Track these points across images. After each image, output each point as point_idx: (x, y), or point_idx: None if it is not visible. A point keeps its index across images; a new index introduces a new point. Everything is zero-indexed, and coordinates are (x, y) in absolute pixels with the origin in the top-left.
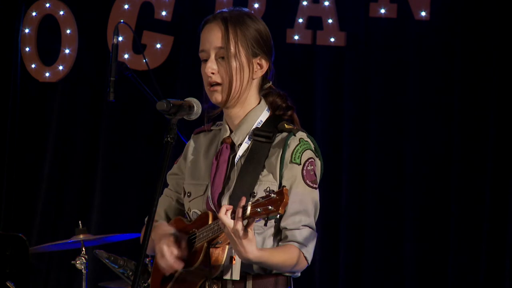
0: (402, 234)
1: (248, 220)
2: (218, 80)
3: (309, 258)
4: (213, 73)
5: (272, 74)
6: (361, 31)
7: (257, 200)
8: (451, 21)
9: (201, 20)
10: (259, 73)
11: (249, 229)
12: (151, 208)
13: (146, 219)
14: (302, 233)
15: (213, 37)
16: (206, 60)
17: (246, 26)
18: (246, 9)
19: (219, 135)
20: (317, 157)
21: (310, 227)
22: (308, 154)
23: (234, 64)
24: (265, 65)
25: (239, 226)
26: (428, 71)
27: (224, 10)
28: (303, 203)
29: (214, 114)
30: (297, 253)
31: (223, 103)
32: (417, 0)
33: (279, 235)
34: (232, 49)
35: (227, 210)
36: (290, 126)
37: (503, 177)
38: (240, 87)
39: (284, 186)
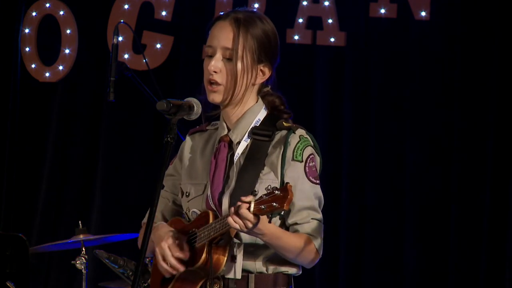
0: (402, 234)
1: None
2: (219, 80)
3: (319, 248)
4: (215, 72)
5: (272, 81)
6: (361, 31)
7: (261, 197)
8: (451, 21)
9: (201, 20)
10: (260, 80)
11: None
12: (151, 208)
13: (143, 221)
14: (312, 226)
15: (222, 36)
16: (210, 56)
17: (256, 31)
18: (258, 12)
19: (215, 134)
20: (316, 153)
21: (318, 221)
22: (309, 150)
23: (238, 66)
24: (267, 72)
25: (252, 221)
26: (428, 71)
27: (237, 10)
28: (309, 200)
29: (213, 115)
30: (308, 240)
31: (220, 104)
32: (417, 0)
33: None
34: (240, 52)
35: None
36: (289, 124)
37: (503, 177)
38: (240, 90)
39: (287, 182)
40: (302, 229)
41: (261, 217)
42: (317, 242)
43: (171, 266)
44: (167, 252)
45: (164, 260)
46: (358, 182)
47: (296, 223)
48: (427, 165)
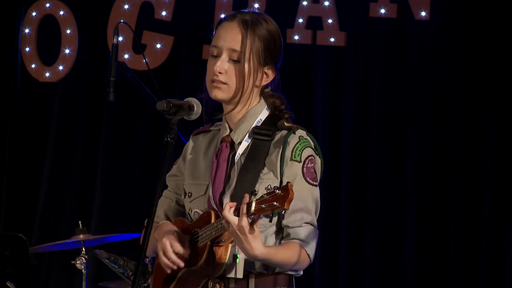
0: (402, 234)
1: (253, 217)
2: (224, 80)
3: (311, 255)
4: (220, 73)
5: (275, 83)
6: (361, 31)
7: (262, 196)
8: (451, 21)
9: (201, 20)
10: (264, 82)
11: (254, 226)
12: (151, 208)
13: (146, 220)
14: (304, 231)
15: (229, 37)
16: (215, 56)
17: (263, 33)
18: (264, 14)
19: (217, 135)
20: (317, 154)
21: (311, 225)
22: (308, 151)
23: (245, 68)
24: (271, 75)
25: (244, 222)
26: (428, 71)
27: (244, 11)
28: (304, 201)
29: (216, 117)
30: (299, 250)
31: (222, 101)
32: (417, 0)
33: (281, 233)
34: (247, 54)
35: (230, 207)
36: (290, 124)
37: (503, 178)
38: (244, 91)
39: (288, 182)
40: (294, 233)
41: (256, 234)
42: (309, 248)
43: (172, 261)
44: (168, 247)
45: (165, 255)
46: (358, 182)
47: (288, 226)
48: (427, 165)
